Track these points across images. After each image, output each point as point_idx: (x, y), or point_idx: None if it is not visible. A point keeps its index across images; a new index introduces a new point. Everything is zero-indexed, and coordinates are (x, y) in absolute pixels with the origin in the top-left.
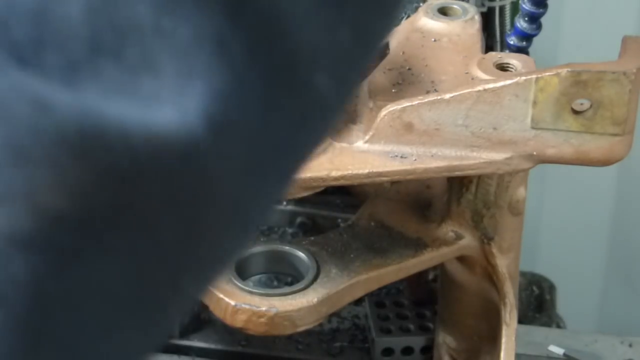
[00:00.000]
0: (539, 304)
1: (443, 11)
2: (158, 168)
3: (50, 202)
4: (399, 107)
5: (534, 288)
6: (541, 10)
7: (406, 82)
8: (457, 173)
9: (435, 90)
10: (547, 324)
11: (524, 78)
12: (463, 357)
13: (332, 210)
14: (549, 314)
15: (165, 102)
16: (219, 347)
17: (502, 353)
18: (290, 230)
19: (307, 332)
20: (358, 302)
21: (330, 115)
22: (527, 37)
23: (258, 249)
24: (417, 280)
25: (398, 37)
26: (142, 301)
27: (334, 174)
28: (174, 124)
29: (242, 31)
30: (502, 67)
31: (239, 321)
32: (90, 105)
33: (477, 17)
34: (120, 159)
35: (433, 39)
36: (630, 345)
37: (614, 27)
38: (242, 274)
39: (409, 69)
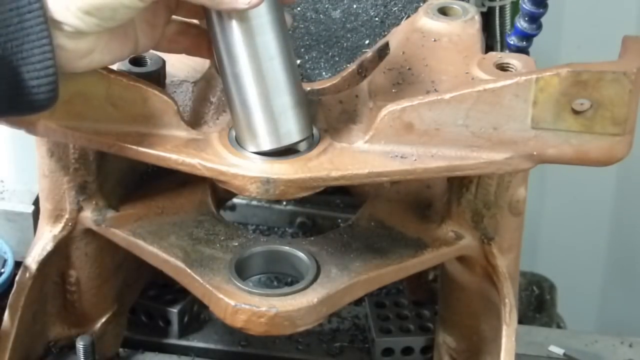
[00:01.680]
0: (539, 304)
1: (443, 11)
2: None
3: None
4: (399, 107)
5: (534, 288)
6: (541, 10)
7: (406, 82)
8: (457, 173)
9: (435, 90)
10: (547, 324)
11: (524, 78)
12: (463, 357)
13: (332, 210)
14: (549, 314)
15: None
16: (219, 347)
17: (502, 353)
18: (290, 230)
19: (307, 332)
20: (358, 302)
21: None
22: (527, 37)
23: (258, 249)
24: (417, 280)
25: (398, 37)
26: None
27: (334, 174)
28: None
29: None
30: (502, 67)
31: (239, 321)
32: None
33: (477, 17)
34: None
35: (433, 39)
36: (631, 346)
37: (614, 27)
38: (242, 274)
39: (409, 69)
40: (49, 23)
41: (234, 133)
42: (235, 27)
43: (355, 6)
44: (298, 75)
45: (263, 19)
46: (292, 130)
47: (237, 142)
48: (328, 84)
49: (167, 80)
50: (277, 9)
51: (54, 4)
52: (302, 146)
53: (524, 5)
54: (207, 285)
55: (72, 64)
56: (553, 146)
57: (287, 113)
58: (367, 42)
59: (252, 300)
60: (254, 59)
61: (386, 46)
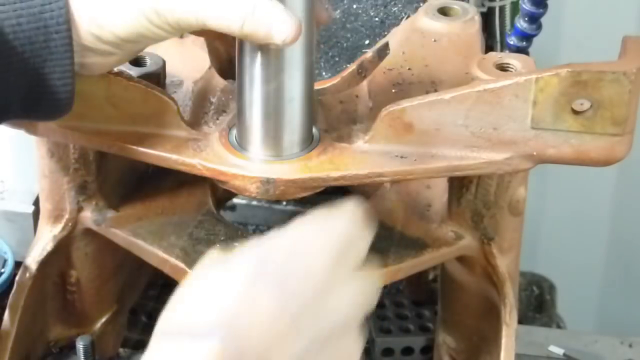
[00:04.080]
0: (539, 304)
1: (443, 11)
2: None
3: None
4: (399, 107)
5: (534, 288)
6: (541, 10)
7: (406, 82)
8: (457, 173)
9: (435, 90)
10: (547, 324)
11: (524, 78)
12: (463, 357)
13: None
14: (549, 314)
15: None
16: None
17: (502, 353)
18: None
19: None
20: None
21: None
22: (527, 37)
23: None
24: (417, 280)
25: (398, 37)
26: None
27: (334, 174)
28: None
29: None
30: (502, 67)
31: None
32: None
33: (477, 17)
34: None
35: (433, 39)
36: (630, 346)
37: (614, 27)
38: None
39: (409, 69)
40: (76, 47)
41: (234, 133)
42: (263, 60)
43: (355, 6)
44: (311, 113)
45: (294, 57)
46: (295, 154)
47: (237, 143)
48: (328, 84)
49: (167, 80)
50: (309, 52)
51: (85, 33)
52: None
53: (523, 6)
54: None
55: (93, 72)
56: (553, 146)
57: (294, 147)
58: (367, 42)
59: None
60: (275, 96)
61: (386, 46)
